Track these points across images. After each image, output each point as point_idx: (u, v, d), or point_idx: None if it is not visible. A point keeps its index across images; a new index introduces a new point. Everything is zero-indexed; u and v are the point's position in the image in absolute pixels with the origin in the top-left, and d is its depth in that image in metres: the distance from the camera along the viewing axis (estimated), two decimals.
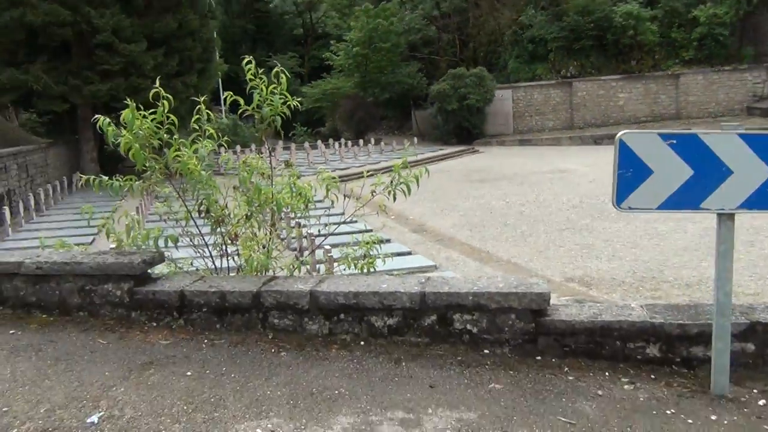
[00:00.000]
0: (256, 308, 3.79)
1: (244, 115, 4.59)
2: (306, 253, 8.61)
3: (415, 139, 34.11)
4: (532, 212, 14.76)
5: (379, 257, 5.15)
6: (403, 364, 3.43)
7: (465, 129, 34.47)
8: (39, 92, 21.40)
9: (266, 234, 4.44)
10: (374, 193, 4.84)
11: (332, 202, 4.81)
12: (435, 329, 3.67)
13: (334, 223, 5.03)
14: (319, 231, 5.51)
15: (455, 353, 3.57)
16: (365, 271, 5.10)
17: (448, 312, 3.64)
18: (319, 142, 33.69)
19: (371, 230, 11.70)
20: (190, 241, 4.50)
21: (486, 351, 3.60)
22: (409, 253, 10.46)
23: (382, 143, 32.90)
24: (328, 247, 7.92)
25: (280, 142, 36.85)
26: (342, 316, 3.74)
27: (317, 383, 3.15)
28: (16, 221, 15.35)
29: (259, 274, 4.12)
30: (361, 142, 33.48)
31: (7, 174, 16.28)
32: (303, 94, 42.27)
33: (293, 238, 10.28)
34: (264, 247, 4.36)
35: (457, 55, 40.01)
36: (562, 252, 10.84)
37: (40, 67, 20.96)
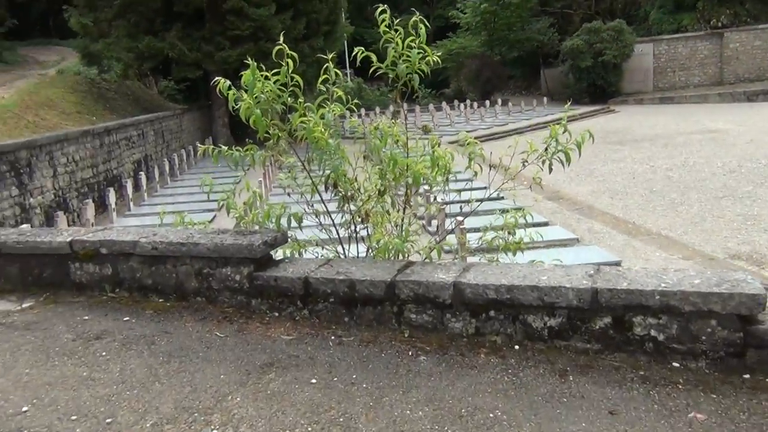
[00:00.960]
0: (390, 301, 3.25)
1: (377, 74, 3.99)
2: (442, 234, 8.06)
3: (545, 99, 32.50)
4: (682, 177, 13.35)
5: (526, 238, 4.47)
6: (571, 378, 2.77)
7: (599, 87, 32.41)
8: (175, 59, 22.02)
9: (400, 212, 3.87)
10: (525, 163, 4.14)
11: (475, 173, 4.17)
12: (608, 334, 2.97)
13: (478, 200, 4.39)
14: (461, 208, 4.88)
15: (636, 366, 2.87)
16: (510, 253, 4.45)
17: (626, 313, 2.92)
18: (443, 103, 32.87)
19: (521, 208, 10.97)
20: (317, 218, 4.02)
21: (676, 365, 2.86)
22: (546, 224, 9.62)
23: (510, 104, 31.56)
24: (463, 226, 7.29)
25: (405, 105, 36.41)
26: (492, 313, 3.12)
27: (466, 401, 2.56)
28: (152, 186, 15.86)
29: (393, 258, 3.57)
30: (487, 102, 32.32)
31: (144, 140, 16.83)
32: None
33: (431, 216, 9.74)
34: (398, 227, 3.80)
35: (592, 8, 37.50)
36: (721, 224, 9.59)
37: (175, 35, 21.51)
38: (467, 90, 39.10)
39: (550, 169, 4.02)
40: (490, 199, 4.47)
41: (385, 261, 3.52)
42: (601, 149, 18.50)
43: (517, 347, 3.04)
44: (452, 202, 9.79)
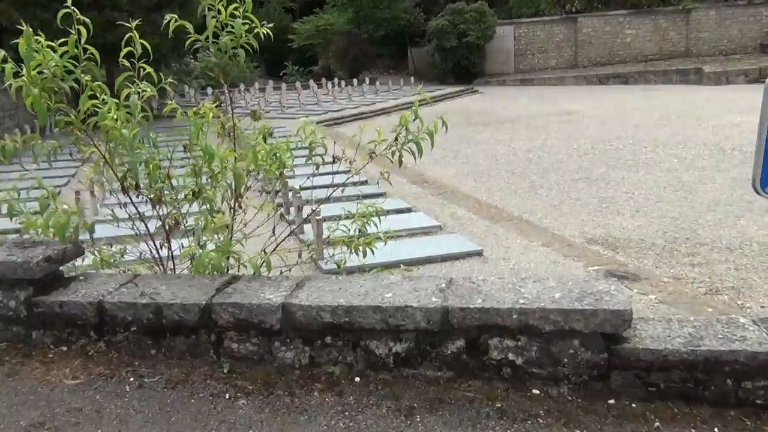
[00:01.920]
0: (206, 328, 2.67)
1: (194, 47, 3.34)
2: (299, 224, 7.51)
3: (412, 79, 32.56)
4: (541, 159, 13.57)
5: (379, 237, 4.03)
6: (418, 418, 2.34)
7: (464, 68, 32.87)
8: None
9: (228, 212, 3.28)
10: (373, 155, 3.65)
11: (334, 158, 3.68)
12: (462, 359, 2.56)
13: (334, 185, 3.91)
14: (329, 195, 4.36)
15: (492, 396, 2.48)
16: (360, 253, 4.01)
17: (481, 335, 2.53)
18: (311, 81, 32.08)
19: (383, 193, 10.56)
20: (132, 223, 3.34)
21: (536, 391, 2.50)
22: (410, 210, 9.32)
23: (378, 83, 31.31)
24: (319, 217, 6.78)
25: (271, 82, 35.23)
26: (329, 339, 2.62)
27: None
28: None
29: (213, 274, 2.97)
30: (355, 81, 31.91)
31: None
32: (294, 31, 40.39)
33: (288, 203, 9.12)
34: (226, 234, 3.21)
35: None
36: (578, 206, 9.71)
37: None
38: (335, 68, 38.49)
39: (400, 162, 3.57)
40: (346, 184, 3.95)
41: (203, 278, 2.92)
42: (466, 131, 18.62)
43: (358, 379, 2.57)
44: (311, 188, 9.28)
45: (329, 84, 30.18)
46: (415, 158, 3.51)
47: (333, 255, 4.01)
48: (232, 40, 3.26)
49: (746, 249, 7.37)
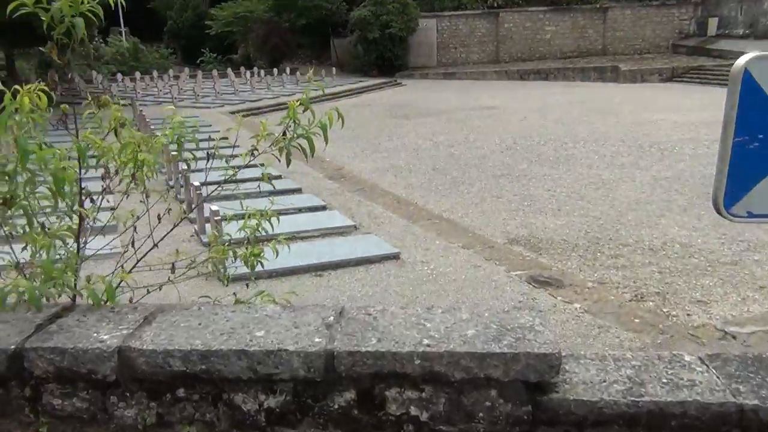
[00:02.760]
0: (19, 380, 2.03)
1: (17, 14, 2.64)
2: (200, 224, 6.79)
3: (334, 70, 31.92)
4: (463, 154, 13.26)
5: (274, 242, 3.47)
6: None
7: (387, 60, 32.50)
8: None
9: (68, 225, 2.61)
10: (255, 153, 3.07)
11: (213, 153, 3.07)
12: (353, 415, 2.02)
13: (234, 180, 3.30)
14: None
15: None
16: (251, 266, 3.44)
17: (376, 385, 1.99)
18: (228, 70, 30.96)
19: (299, 189, 9.92)
20: None
21: None
22: (324, 208, 8.74)
23: (298, 73, 30.52)
24: (218, 217, 6.11)
25: (186, 69, 33.80)
26: (181, 392, 2.03)
27: None
28: None
29: (33, 307, 2.30)
30: (275, 71, 30.99)
31: None
32: (212, 17, 38.96)
33: (190, 200, 8.35)
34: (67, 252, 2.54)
35: None
36: (500, 205, 9.39)
37: None
38: (255, 57, 37.38)
39: (288, 162, 2.99)
40: (247, 180, 3.33)
41: (23, 310, 2.26)
42: (387, 123, 18.18)
43: None
44: (212, 183, 8.59)
45: (248, 73, 29.17)
46: (306, 156, 2.93)
47: (227, 266, 3.40)
48: (71, 5, 2.58)
49: (669, 250, 7.17)
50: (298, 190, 9.82)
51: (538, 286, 5.83)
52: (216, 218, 6.13)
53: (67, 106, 2.78)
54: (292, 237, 7.39)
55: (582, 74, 29.80)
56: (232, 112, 20.58)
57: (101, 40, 37.68)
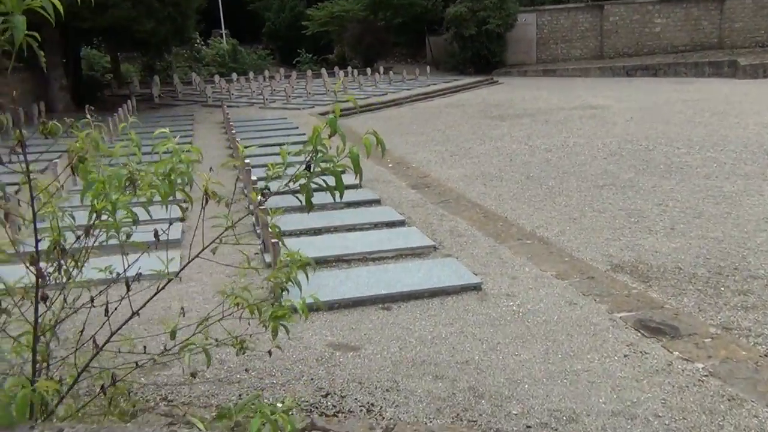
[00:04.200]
0: None
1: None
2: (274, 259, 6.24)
3: (428, 68, 31.11)
4: (561, 161, 12.13)
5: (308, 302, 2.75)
6: None
7: (483, 57, 31.35)
8: None
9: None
10: (266, 195, 2.32)
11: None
12: None
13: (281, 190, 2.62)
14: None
15: None
16: (272, 331, 2.72)
17: None
18: (323, 70, 30.76)
19: (378, 200, 9.15)
20: None
21: None
22: (403, 223, 7.96)
23: (391, 72, 29.90)
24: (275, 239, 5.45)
25: (282, 70, 33.94)
26: None
27: None
28: None
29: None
30: (368, 70, 30.53)
31: None
32: (308, 17, 39.04)
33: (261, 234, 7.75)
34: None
35: None
36: (603, 220, 8.30)
37: None
38: (350, 56, 37.13)
39: (309, 206, 2.23)
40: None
41: None
42: (481, 125, 17.20)
43: None
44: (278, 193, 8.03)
45: (341, 73, 28.80)
46: (333, 197, 2.17)
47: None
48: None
49: None
50: (377, 202, 9.11)
51: (649, 334, 4.81)
52: (272, 240, 5.47)
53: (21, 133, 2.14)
54: (364, 258, 6.68)
55: (695, 69, 27.53)
56: (322, 114, 20.19)
57: (203, 43, 38.60)
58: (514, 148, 13.59)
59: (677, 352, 4.47)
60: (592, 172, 11.00)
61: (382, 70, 30.99)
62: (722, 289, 5.97)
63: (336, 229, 7.72)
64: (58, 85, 20.90)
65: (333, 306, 5.40)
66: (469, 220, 8.33)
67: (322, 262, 6.57)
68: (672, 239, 7.45)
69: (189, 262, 2.51)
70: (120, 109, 17.22)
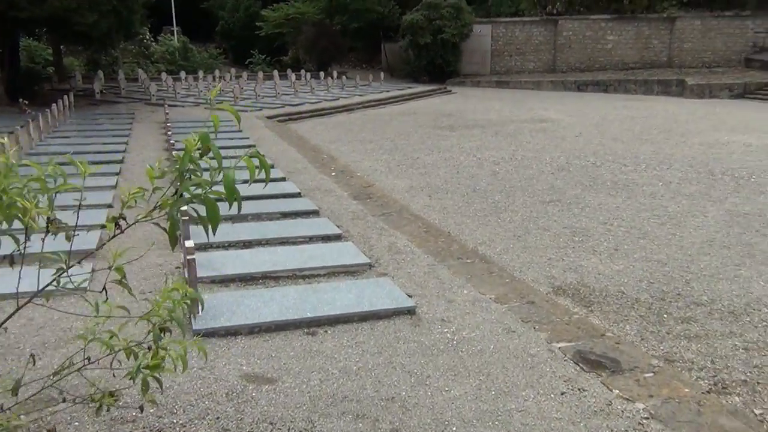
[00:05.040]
0: None
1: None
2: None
3: (382, 75, 30.84)
4: (509, 174, 11.93)
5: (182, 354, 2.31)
6: None
7: (438, 66, 31.27)
8: None
9: None
10: (120, 224, 1.89)
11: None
12: None
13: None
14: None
15: None
16: (142, 385, 2.28)
17: None
18: (275, 72, 30.17)
19: (316, 211, 8.67)
20: None
21: None
22: (339, 237, 7.55)
23: (344, 77, 29.51)
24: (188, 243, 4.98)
25: (233, 70, 33.18)
26: None
27: None
28: None
29: None
30: (321, 74, 30.07)
31: None
32: (263, 18, 38.38)
33: None
34: None
35: None
36: (547, 239, 8.05)
37: None
38: (304, 59, 36.62)
39: (173, 242, 1.82)
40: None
41: None
42: (430, 134, 16.94)
43: None
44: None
45: (293, 75, 28.28)
46: (207, 232, 1.76)
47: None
48: None
49: (754, 316, 5.75)
50: (315, 213, 8.68)
51: (588, 368, 4.51)
52: (188, 256, 4.97)
53: None
54: (293, 275, 6.25)
55: (645, 87, 27.94)
56: (269, 117, 19.64)
57: (152, 39, 37.48)
58: (462, 160, 13.34)
59: (617, 390, 4.17)
60: (539, 187, 10.81)
61: (335, 74, 30.57)
62: (665, 316, 5.75)
63: (268, 242, 7.26)
64: None
65: (254, 330, 4.96)
66: (410, 236, 7.98)
67: (248, 279, 6.11)
68: (615, 261, 7.24)
69: (13, 314, 2.05)
70: (54, 104, 16.35)
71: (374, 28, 36.12)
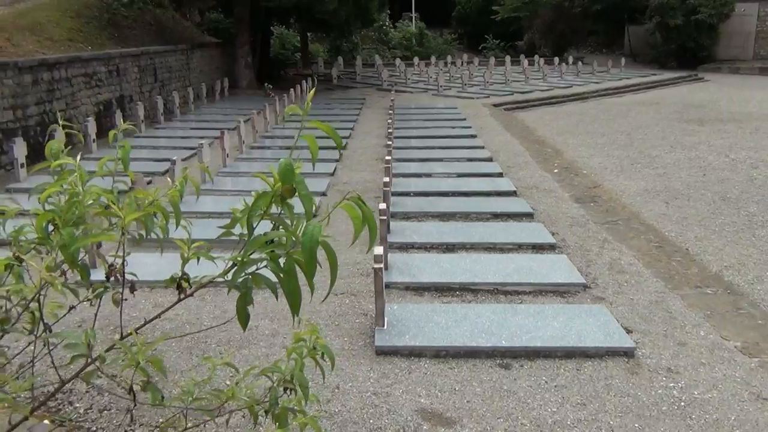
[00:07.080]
0: None
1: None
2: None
3: (623, 60, 28.52)
4: None
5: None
6: None
7: (689, 50, 28.15)
8: None
9: None
10: (181, 290, 1.39)
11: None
12: None
13: None
14: None
15: None
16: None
17: None
18: (507, 58, 29.30)
19: (531, 214, 7.93)
20: None
21: None
22: (552, 247, 6.71)
23: (580, 63, 27.70)
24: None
25: (465, 56, 32.86)
26: None
27: None
28: (129, 131, 13.58)
29: None
30: (556, 60, 28.60)
31: (120, 77, 14.44)
32: (500, 2, 37.51)
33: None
34: None
35: None
36: None
37: None
38: (539, 44, 35.19)
39: (243, 324, 1.28)
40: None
41: None
42: (673, 128, 15.05)
43: None
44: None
45: (525, 61, 27.18)
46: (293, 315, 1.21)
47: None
48: None
49: None
50: (529, 216, 7.89)
51: None
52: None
53: None
54: (494, 290, 5.59)
55: None
56: (496, 105, 18.94)
57: (392, 26, 38.59)
58: (711, 160, 11.55)
59: None
60: None
61: (571, 60, 28.89)
62: None
63: (472, 246, 6.67)
64: (243, 63, 21.56)
65: (440, 353, 4.41)
66: (638, 251, 6.87)
67: (444, 289, 5.58)
68: None
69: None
70: (292, 89, 17.25)
71: (618, 10, 33.48)
